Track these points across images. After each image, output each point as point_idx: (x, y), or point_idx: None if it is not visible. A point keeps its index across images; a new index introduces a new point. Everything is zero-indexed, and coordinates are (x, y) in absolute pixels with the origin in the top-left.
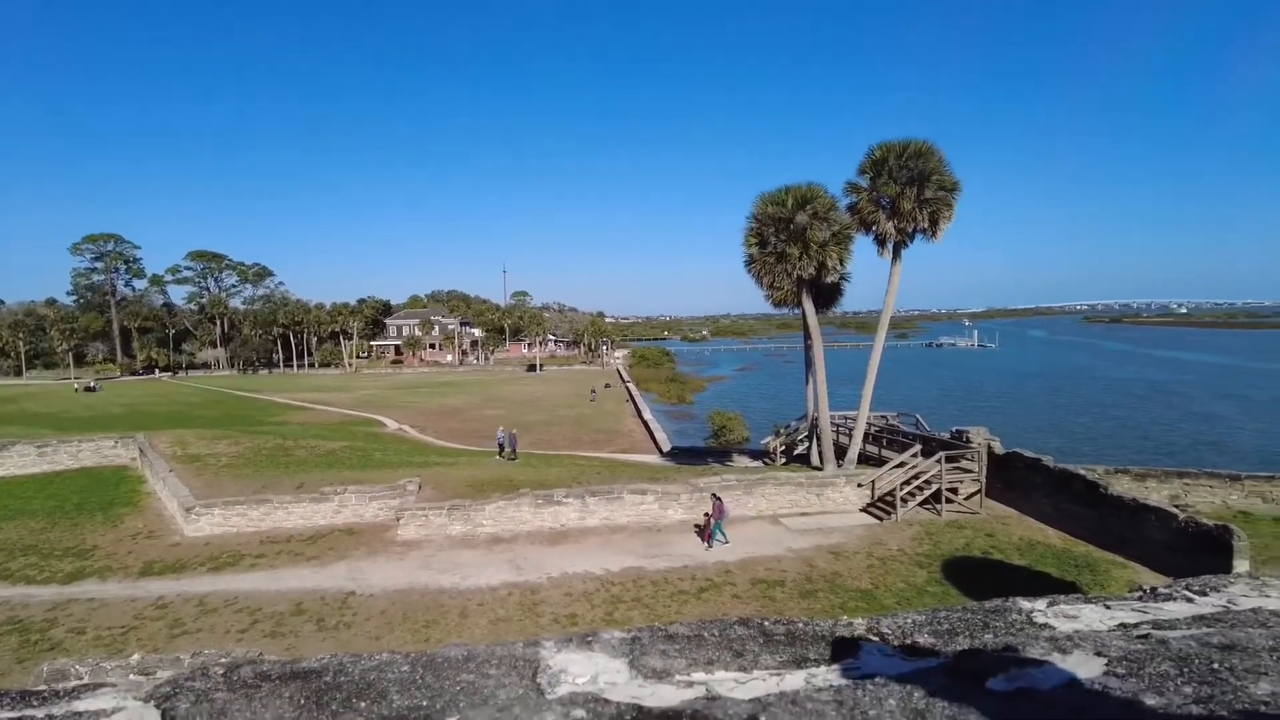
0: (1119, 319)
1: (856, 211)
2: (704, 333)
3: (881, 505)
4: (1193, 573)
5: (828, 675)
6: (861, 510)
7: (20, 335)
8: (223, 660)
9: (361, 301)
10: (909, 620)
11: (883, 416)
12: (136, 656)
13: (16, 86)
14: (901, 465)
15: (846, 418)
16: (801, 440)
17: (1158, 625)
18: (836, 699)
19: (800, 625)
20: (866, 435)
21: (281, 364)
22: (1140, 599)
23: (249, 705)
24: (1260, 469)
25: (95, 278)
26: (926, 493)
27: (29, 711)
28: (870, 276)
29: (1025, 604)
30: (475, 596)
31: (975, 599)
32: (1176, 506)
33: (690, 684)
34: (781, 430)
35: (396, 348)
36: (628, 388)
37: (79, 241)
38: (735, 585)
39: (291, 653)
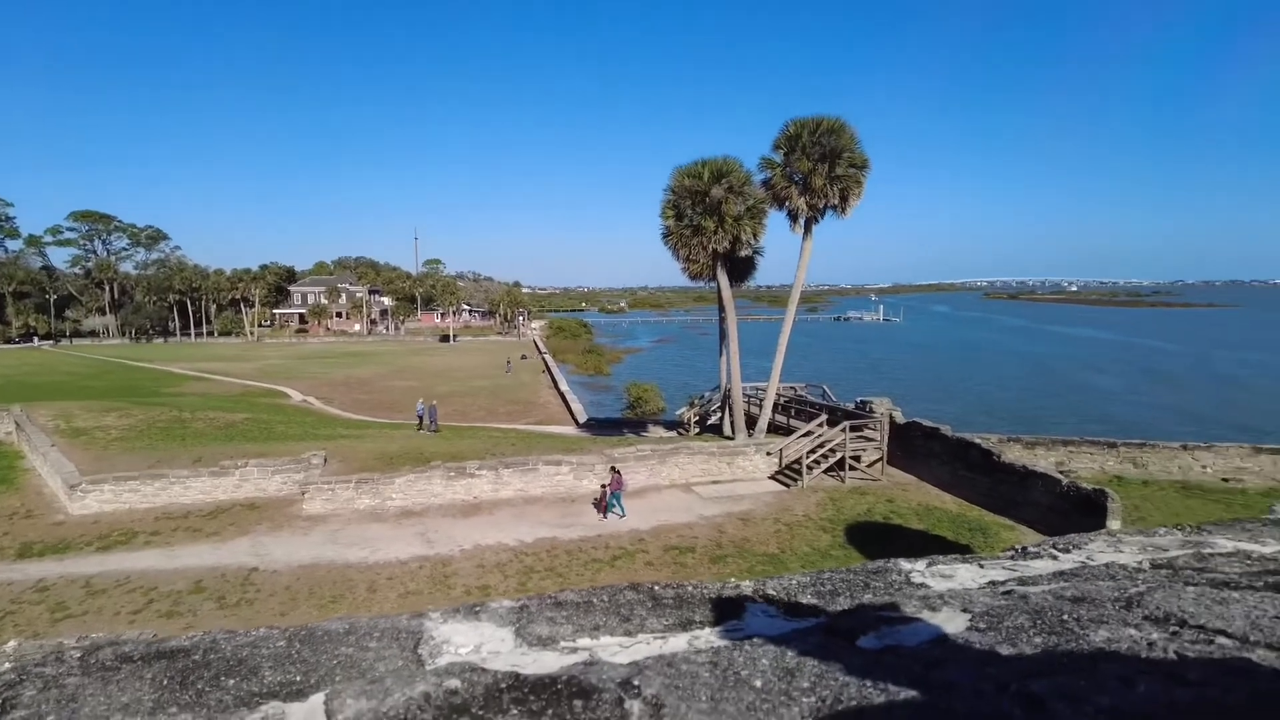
0: (1016, 295)
1: (770, 187)
2: (622, 304)
3: (789, 473)
4: (1074, 532)
5: (710, 637)
6: (770, 478)
7: None
8: (83, 643)
9: (264, 267)
10: (794, 581)
11: (792, 387)
12: (12, 644)
13: None
14: (808, 434)
15: (758, 389)
16: (715, 411)
17: (1022, 581)
18: (712, 660)
19: (689, 589)
20: (776, 405)
21: (178, 332)
22: (1011, 557)
23: (104, 689)
24: (1134, 436)
25: None
26: (832, 460)
27: None
28: (783, 251)
29: (905, 564)
30: (385, 570)
31: (875, 561)
32: (1061, 472)
33: (574, 650)
34: (696, 401)
35: (301, 316)
36: (544, 359)
37: None
38: (648, 552)
39: (190, 633)
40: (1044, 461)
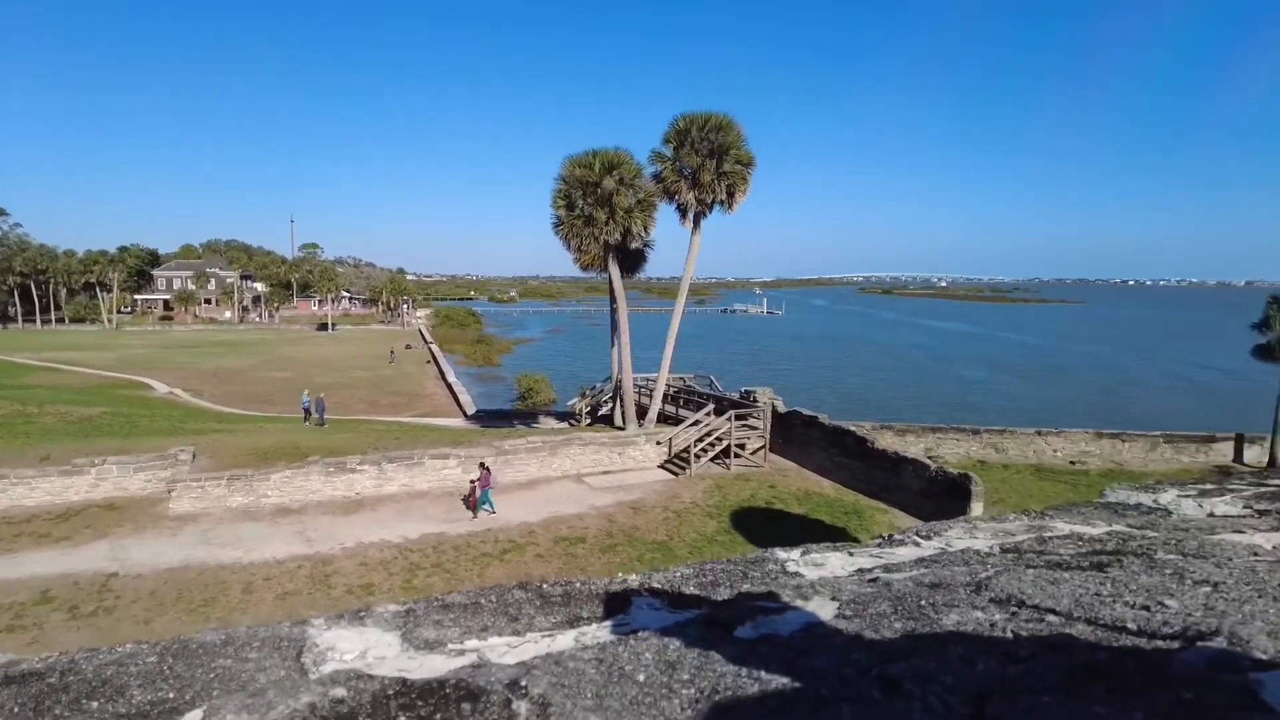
0: (890, 290)
1: (661, 180)
2: (512, 294)
3: (678, 461)
4: (941, 515)
5: (597, 633)
6: (660, 467)
7: None
8: None
9: (123, 250)
10: (678, 574)
11: (681, 378)
12: None
13: None
14: (696, 424)
15: (649, 379)
16: (606, 401)
17: (887, 569)
18: (598, 656)
19: (578, 585)
20: (666, 396)
21: (20, 318)
22: (879, 545)
23: None
24: (995, 424)
25: None
26: (718, 449)
27: None
28: (673, 244)
29: (781, 554)
30: (261, 571)
31: (759, 546)
32: (930, 458)
33: (462, 652)
34: (587, 392)
35: (166, 302)
36: (430, 349)
37: None
38: (538, 545)
39: (35, 648)
40: (914, 448)
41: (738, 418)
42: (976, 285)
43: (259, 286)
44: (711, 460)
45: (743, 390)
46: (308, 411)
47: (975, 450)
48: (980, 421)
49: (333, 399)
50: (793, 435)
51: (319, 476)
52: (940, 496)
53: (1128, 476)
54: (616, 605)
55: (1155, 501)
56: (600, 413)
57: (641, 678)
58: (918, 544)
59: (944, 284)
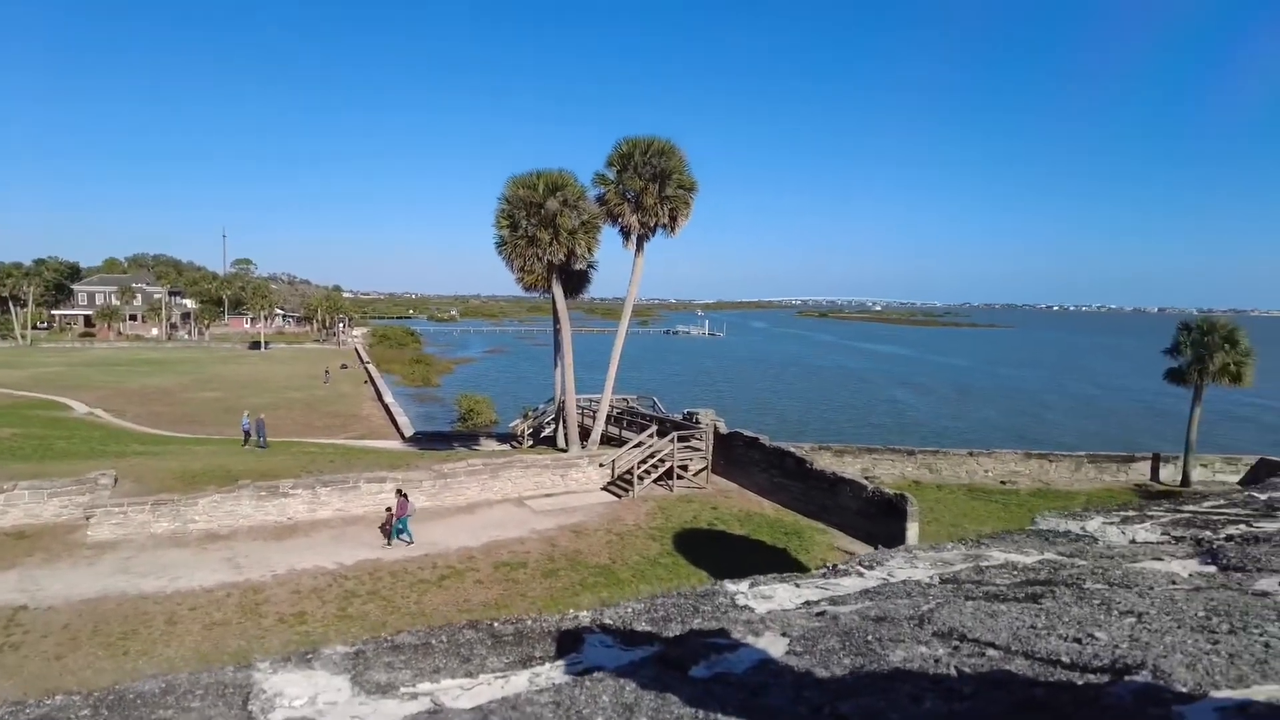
0: (826, 314)
1: (604, 203)
2: (453, 313)
3: (621, 483)
4: (878, 535)
5: (551, 673)
6: (603, 489)
7: None
8: None
9: (40, 262)
10: (629, 610)
11: (624, 399)
12: None
13: None
14: (639, 445)
15: (592, 400)
16: (549, 423)
17: (834, 601)
18: (555, 699)
19: (529, 623)
20: (609, 417)
21: None
22: (824, 575)
23: None
24: (929, 445)
25: None
26: (661, 470)
27: None
28: (616, 265)
29: (731, 586)
30: (186, 600)
31: (701, 567)
32: (867, 478)
33: (415, 696)
34: (530, 413)
35: (87, 318)
36: (367, 369)
37: None
38: (478, 570)
39: None
40: (851, 468)
41: (681, 439)
42: (909, 309)
43: (188, 303)
44: (655, 482)
45: (685, 412)
46: (248, 434)
47: (910, 471)
48: (914, 442)
49: (268, 421)
50: (734, 456)
51: (250, 501)
52: (877, 517)
53: (1055, 496)
54: (569, 643)
55: (1083, 529)
56: (543, 434)
57: None
58: (861, 574)
59: (878, 308)
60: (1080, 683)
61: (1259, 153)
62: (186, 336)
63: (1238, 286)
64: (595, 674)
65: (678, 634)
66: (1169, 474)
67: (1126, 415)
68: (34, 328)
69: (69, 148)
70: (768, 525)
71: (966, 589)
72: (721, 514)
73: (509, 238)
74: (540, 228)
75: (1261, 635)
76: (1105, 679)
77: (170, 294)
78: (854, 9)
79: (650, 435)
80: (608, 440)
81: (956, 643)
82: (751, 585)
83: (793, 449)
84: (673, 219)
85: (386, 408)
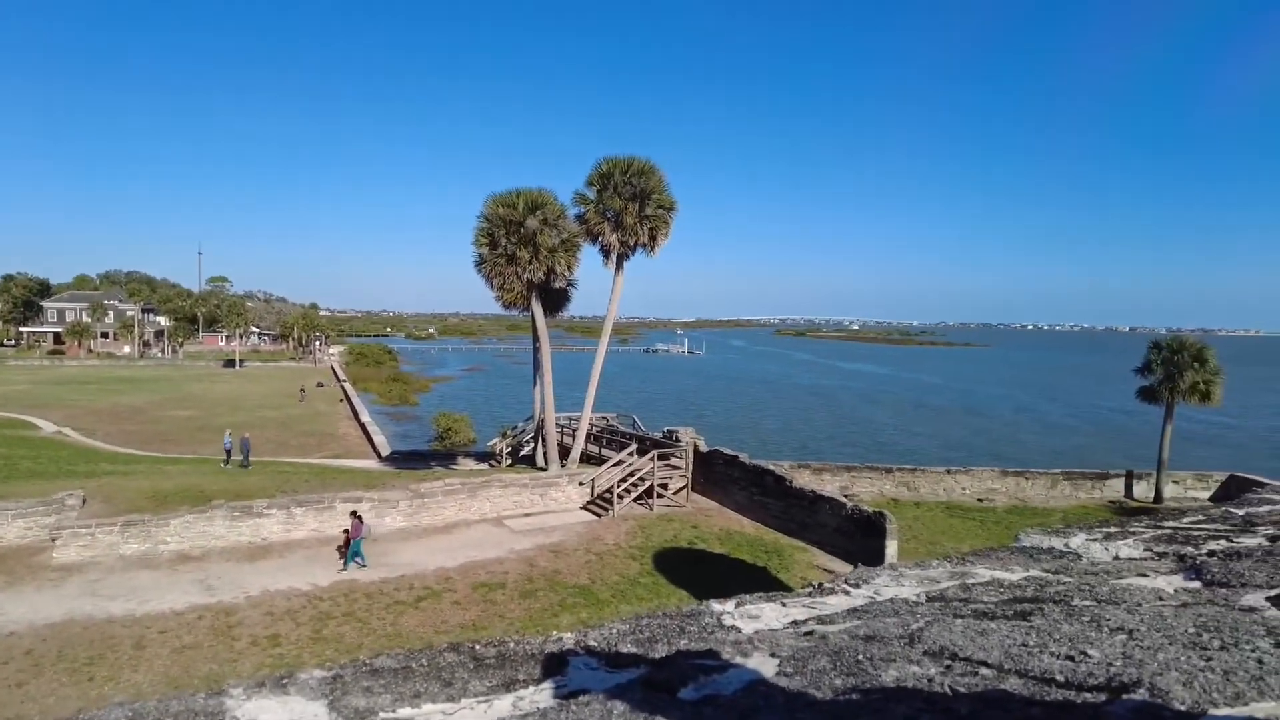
0: (804, 332)
1: (584, 221)
2: (431, 331)
3: (600, 502)
4: (858, 553)
5: (535, 697)
6: (582, 508)
7: None
8: None
9: (8, 279)
10: (614, 630)
11: (604, 417)
12: None
13: None
14: (619, 464)
15: (571, 419)
16: (528, 442)
17: (821, 620)
18: None
19: (512, 645)
20: (589, 435)
21: None
22: (810, 594)
23: None
24: (906, 462)
25: None
26: (641, 489)
27: None
28: (596, 283)
29: (717, 606)
30: (156, 623)
31: (682, 587)
32: (845, 496)
33: None
34: (508, 432)
35: (57, 335)
36: (343, 387)
37: None
38: (455, 591)
39: None
40: (830, 486)
41: (660, 457)
42: (886, 329)
43: (162, 320)
44: (635, 500)
45: (665, 430)
46: (229, 453)
47: (889, 488)
48: (892, 460)
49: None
50: (714, 474)
51: (223, 521)
52: (856, 534)
53: (1032, 513)
54: (553, 666)
55: (1066, 545)
56: (522, 453)
57: None
58: (848, 593)
59: (856, 326)
60: (1078, 701)
61: (1225, 180)
62: (160, 354)
63: (1205, 307)
64: (581, 697)
65: (664, 655)
66: (1142, 491)
67: (1100, 433)
68: (1, 345)
69: (39, 161)
70: (748, 544)
71: (955, 607)
72: (702, 533)
73: (488, 256)
74: (520, 246)
75: (1254, 651)
76: (1102, 698)
77: (143, 311)
78: (836, 14)
79: (630, 453)
80: (587, 459)
81: (949, 661)
82: (738, 605)
83: (772, 467)
84: (652, 238)
85: (363, 426)
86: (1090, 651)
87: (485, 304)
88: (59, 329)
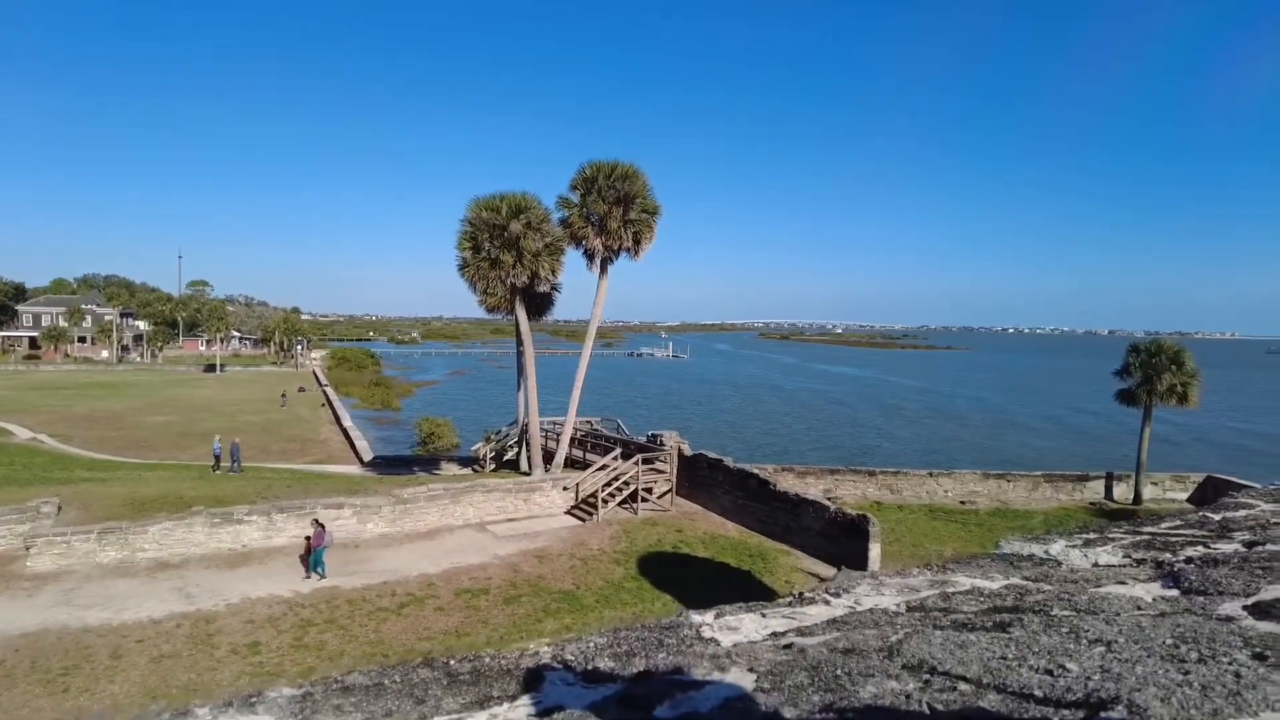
0: (788, 336)
1: (568, 226)
2: (414, 335)
3: (585, 507)
4: (841, 556)
5: (509, 715)
6: (567, 513)
7: None
8: None
9: None
10: (591, 644)
11: (588, 421)
12: None
13: None
14: (604, 468)
15: (556, 423)
16: (512, 446)
17: (800, 632)
18: None
19: (487, 660)
20: (573, 440)
21: None
22: (790, 604)
23: None
24: (889, 465)
25: None
26: (625, 493)
27: None
28: (581, 287)
29: (696, 618)
30: (133, 632)
31: (667, 592)
32: (829, 499)
33: None
34: (492, 436)
35: (33, 340)
36: (325, 392)
37: None
38: (438, 598)
39: None
40: (814, 489)
41: (645, 461)
42: (869, 332)
43: (141, 325)
44: (619, 505)
45: (650, 434)
46: (218, 458)
47: (872, 491)
48: (875, 463)
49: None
50: (699, 478)
51: (203, 528)
52: (840, 538)
53: (1013, 515)
54: (529, 681)
55: (1046, 552)
56: (506, 458)
57: None
58: (828, 602)
59: (839, 330)
60: (1055, 719)
61: (1203, 185)
62: (139, 359)
63: (1182, 310)
64: (555, 715)
65: (642, 670)
66: (1122, 492)
67: (1080, 435)
68: None
69: (12, 163)
70: (732, 548)
71: (934, 617)
72: (686, 537)
73: (471, 260)
74: (503, 250)
75: (1231, 664)
76: (1080, 715)
77: (122, 315)
78: (825, 15)
79: (615, 458)
80: (572, 463)
81: (927, 676)
82: (717, 616)
83: (756, 471)
84: (636, 242)
85: (345, 431)
86: (1069, 665)
87: (469, 308)
88: (35, 333)
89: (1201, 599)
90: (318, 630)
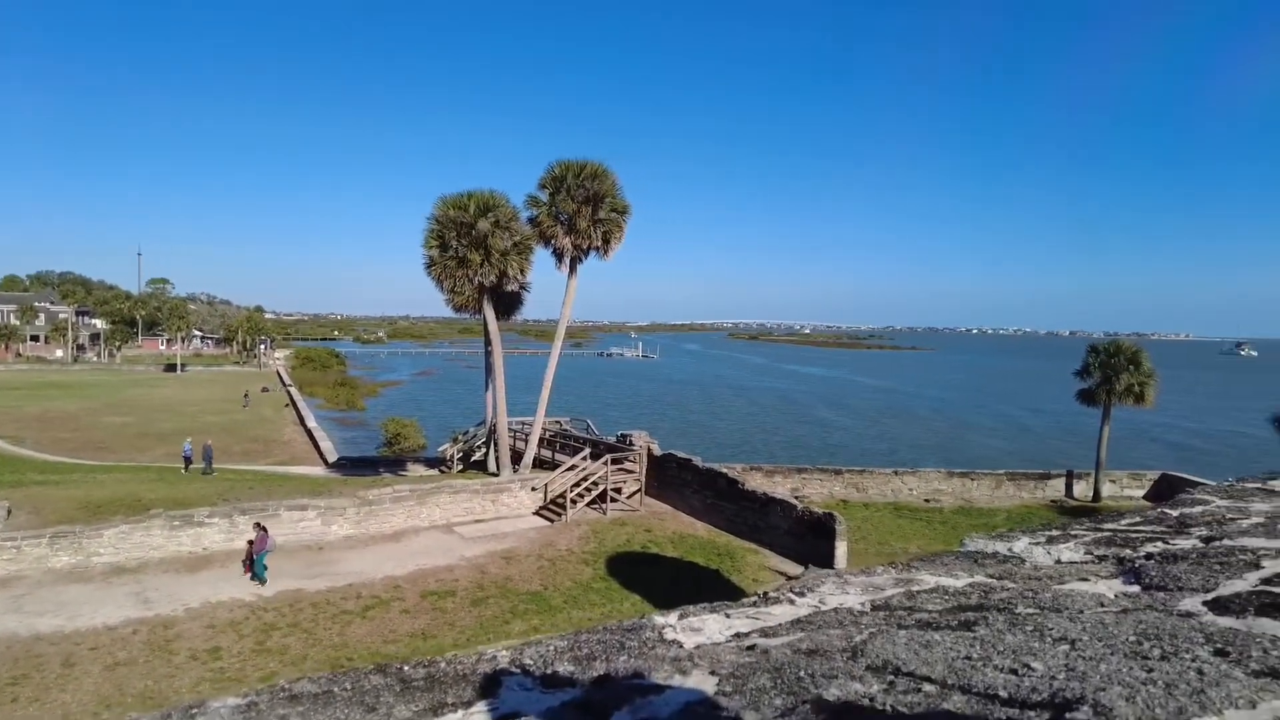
0: (757, 336)
1: (537, 224)
2: (380, 334)
3: (553, 507)
4: (809, 554)
5: None
6: (535, 513)
7: None
8: None
9: None
10: (551, 648)
11: (558, 422)
12: None
13: None
14: (573, 469)
15: (524, 423)
16: (480, 447)
17: (764, 633)
18: None
19: (443, 665)
20: (542, 440)
21: None
22: (755, 604)
23: None
24: (856, 463)
25: None
26: (594, 493)
27: None
28: (550, 286)
29: (659, 619)
30: (87, 639)
31: (635, 591)
32: (796, 498)
33: None
34: (460, 437)
35: None
36: (289, 392)
37: None
38: (404, 600)
39: None
40: (781, 488)
41: (614, 462)
42: (836, 332)
43: (98, 323)
44: (588, 505)
45: (619, 434)
46: (188, 460)
47: (838, 490)
48: (842, 462)
49: (180, 446)
50: (668, 478)
51: (162, 531)
52: (807, 536)
53: (977, 513)
54: (486, 687)
55: (1010, 550)
56: (474, 459)
57: None
58: (793, 601)
59: (807, 331)
60: None
61: (1157, 188)
62: (95, 359)
63: (1140, 312)
64: None
65: (602, 673)
66: (1081, 490)
67: (1042, 434)
68: None
69: None
70: (701, 547)
71: (899, 616)
72: (655, 536)
73: (438, 258)
74: (471, 249)
75: (1193, 661)
76: (1046, 716)
77: (78, 313)
78: (811, 13)
79: (584, 458)
80: (540, 464)
81: (891, 677)
82: (681, 617)
83: (725, 470)
84: (606, 242)
85: (309, 432)
86: (1033, 664)
87: (436, 307)
88: None
89: (1163, 595)
90: (281, 634)
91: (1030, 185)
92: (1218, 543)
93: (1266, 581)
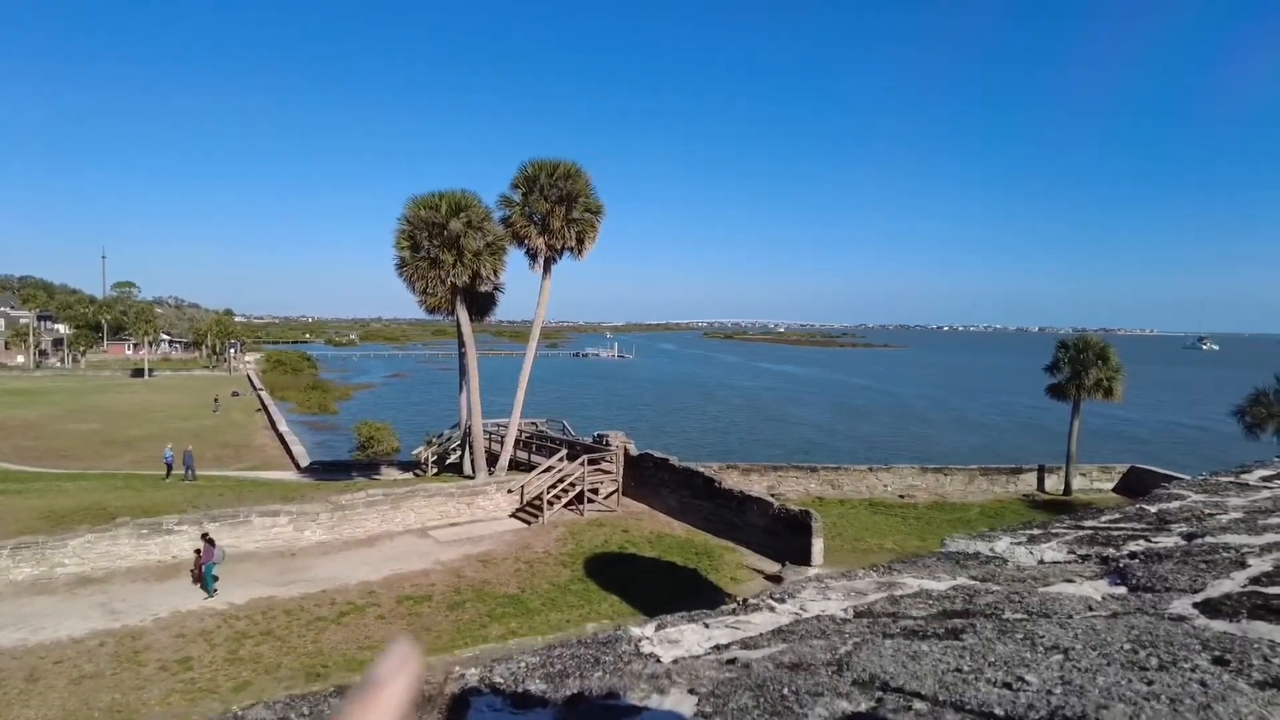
0: (732, 335)
1: (510, 225)
2: (352, 336)
3: (530, 509)
4: (786, 551)
5: None
6: (511, 516)
7: None
8: None
9: None
10: (522, 665)
11: (533, 423)
12: None
13: None
14: (549, 470)
15: (500, 425)
16: (455, 449)
17: (745, 644)
18: None
19: None
20: (518, 442)
21: None
22: (734, 613)
23: None
24: (831, 461)
25: None
26: (571, 494)
27: None
28: (524, 287)
29: (636, 631)
30: (51, 653)
31: (613, 592)
32: (773, 496)
33: None
34: (434, 439)
35: None
36: (260, 396)
37: None
38: (380, 605)
39: None
40: (758, 486)
41: (591, 462)
42: (810, 331)
43: (61, 328)
44: (565, 506)
45: (596, 434)
46: (169, 467)
47: (814, 487)
48: (817, 459)
49: (147, 452)
50: (645, 478)
51: (129, 540)
52: (784, 533)
53: (951, 508)
54: (454, 709)
55: (992, 550)
56: (448, 461)
57: None
58: (773, 609)
59: (781, 329)
60: None
61: (1119, 185)
62: (59, 364)
63: (1106, 307)
64: None
65: (575, 692)
66: (1053, 484)
67: (1013, 429)
68: None
69: None
70: (678, 546)
71: (883, 624)
72: (633, 537)
73: (410, 259)
74: (443, 249)
75: (1194, 671)
76: None
77: (40, 318)
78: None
79: (560, 459)
80: (516, 465)
81: (879, 693)
82: (658, 628)
83: (702, 469)
84: (580, 242)
85: (281, 436)
86: (1028, 677)
87: (409, 309)
88: None
89: (1150, 596)
90: (253, 642)
91: (1000, 185)
92: (1200, 540)
93: (1255, 581)
